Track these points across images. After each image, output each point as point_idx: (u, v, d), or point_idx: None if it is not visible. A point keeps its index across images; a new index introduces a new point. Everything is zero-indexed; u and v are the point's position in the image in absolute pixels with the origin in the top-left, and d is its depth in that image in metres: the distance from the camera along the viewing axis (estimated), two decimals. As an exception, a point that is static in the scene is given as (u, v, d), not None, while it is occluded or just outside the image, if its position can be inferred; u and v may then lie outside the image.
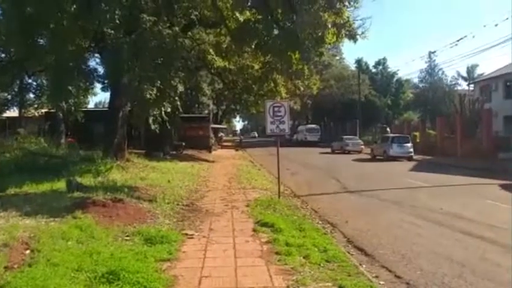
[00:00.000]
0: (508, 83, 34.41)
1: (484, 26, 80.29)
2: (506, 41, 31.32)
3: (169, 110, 15.42)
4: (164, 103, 14.19)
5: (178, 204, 10.19)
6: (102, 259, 5.38)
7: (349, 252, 6.79)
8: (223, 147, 45.48)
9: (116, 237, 6.78)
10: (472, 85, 46.29)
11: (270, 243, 6.76)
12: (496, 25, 46.23)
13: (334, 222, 9.30)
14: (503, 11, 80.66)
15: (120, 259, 5.38)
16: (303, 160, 27.63)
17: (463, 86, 56.52)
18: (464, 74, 57.29)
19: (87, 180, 11.44)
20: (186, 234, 7.37)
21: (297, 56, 14.17)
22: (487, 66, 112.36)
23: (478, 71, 54.33)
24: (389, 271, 6.03)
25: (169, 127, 20.22)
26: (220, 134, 57.39)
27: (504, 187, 14.82)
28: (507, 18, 29.55)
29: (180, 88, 14.53)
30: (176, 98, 15.06)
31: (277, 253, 6.20)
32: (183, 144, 29.10)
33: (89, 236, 6.47)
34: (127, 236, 6.94)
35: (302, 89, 26.03)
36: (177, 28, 14.75)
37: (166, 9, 14.80)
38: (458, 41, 31.20)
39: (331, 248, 6.54)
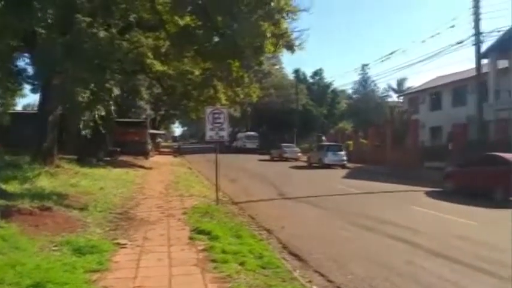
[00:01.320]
0: (433, 96, 36.97)
1: (412, 42, 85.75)
2: (432, 56, 33.93)
3: (103, 114, 14.88)
4: (98, 107, 13.68)
5: (111, 213, 9.81)
6: (26, 271, 5.04)
7: (284, 258, 6.92)
8: (161, 153, 44.46)
9: (43, 248, 6.40)
10: (401, 97, 49.05)
11: (206, 251, 6.71)
12: (423, 41, 49.72)
13: (270, 228, 9.42)
14: (430, 29, 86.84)
15: (46, 270, 5.09)
16: (242, 167, 27.78)
17: (394, 97, 59.73)
18: (395, 87, 60.63)
19: (12, 187, 10.71)
20: (119, 243, 7.11)
21: (236, 63, 14.32)
22: (416, 80, 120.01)
23: (408, 84, 57.65)
24: (322, 276, 6.21)
25: (103, 132, 19.44)
26: (158, 139, 56.11)
27: (429, 194, 15.89)
28: (432, 36, 31.89)
29: (116, 91, 14.12)
30: (111, 102, 14.57)
31: (213, 261, 6.17)
32: (118, 150, 28.10)
33: (12, 246, 6.05)
34: (55, 246, 6.57)
35: (242, 96, 26.20)
36: (114, 30, 14.32)
37: (103, 10, 14.31)
38: (389, 55, 33.39)
39: (266, 254, 6.63)
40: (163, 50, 20.41)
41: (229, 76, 16.59)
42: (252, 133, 54.99)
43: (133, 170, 21.22)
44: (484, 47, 23.36)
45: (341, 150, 30.67)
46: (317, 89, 61.20)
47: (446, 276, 6.18)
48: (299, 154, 38.09)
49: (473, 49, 22.79)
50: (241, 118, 59.12)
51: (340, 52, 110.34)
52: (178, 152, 47.68)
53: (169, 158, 37.11)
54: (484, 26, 24.33)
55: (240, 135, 56.92)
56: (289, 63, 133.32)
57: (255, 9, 12.31)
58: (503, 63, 26.60)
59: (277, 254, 7.00)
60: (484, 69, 24.68)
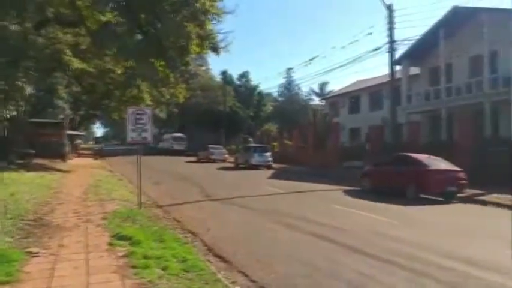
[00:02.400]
0: (352, 100, 39.03)
1: (333, 48, 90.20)
2: (351, 62, 36.00)
3: (14, 113, 13.79)
4: (8, 106, 12.65)
5: (22, 219, 9.10)
6: None
7: (208, 260, 6.86)
8: (80, 155, 42.18)
9: None
10: (323, 101, 51.11)
11: (126, 257, 6.45)
12: (343, 47, 52.38)
13: (195, 231, 9.31)
14: (349, 35, 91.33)
15: None
16: (168, 169, 27.26)
17: (316, 101, 62.19)
18: (317, 90, 63.14)
19: None
20: (31, 252, 6.62)
21: (161, 63, 14.03)
22: (338, 83, 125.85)
23: (329, 88, 60.32)
24: (246, 276, 6.25)
25: (14, 133, 18.01)
26: (78, 141, 53.25)
27: (347, 192, 16.74)
28: (351, 42, 33.81)
29: (29, 90, 13.14)
30: (22, 102, 13.55)
31: (133, 267, 5.95)
32: (33, 152, 26.18)
33: None
34: (-45, 258, 5.95)
35: (168, 97, 25.76)
36: (29, 24, 13.35)
37: (15, 2, 13.28)
38: (311, 60, 34.85)
39: (190, 258, 6.53)
40: (83, 46, 19.44)
41: (154, 76, 16.22)
42: (179, 134, 54.21)
43: (49, 174, 19.89)
44: (397, 54, 25.20)
45: (267, 152, 31.40)
46: (244, 91, 62.03)
47: (364, 271, 6.49)
48: (226, 155, 38.34)
49: (388, 56, 24.46)
50: (167, 119, 58.02)
51: (265, 55, 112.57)
52: (99, 154, 45.64)
53: (90, 161, 35.30)
54: (397, 35, 26.28)
55: (166, 136, 55.80)
56: (216, 64, 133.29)
57: (180, 9, 12.17)
58: (414, 70, 28.97)
59: (201, 257, 6.93)
60: (398, 75, 26.59)
